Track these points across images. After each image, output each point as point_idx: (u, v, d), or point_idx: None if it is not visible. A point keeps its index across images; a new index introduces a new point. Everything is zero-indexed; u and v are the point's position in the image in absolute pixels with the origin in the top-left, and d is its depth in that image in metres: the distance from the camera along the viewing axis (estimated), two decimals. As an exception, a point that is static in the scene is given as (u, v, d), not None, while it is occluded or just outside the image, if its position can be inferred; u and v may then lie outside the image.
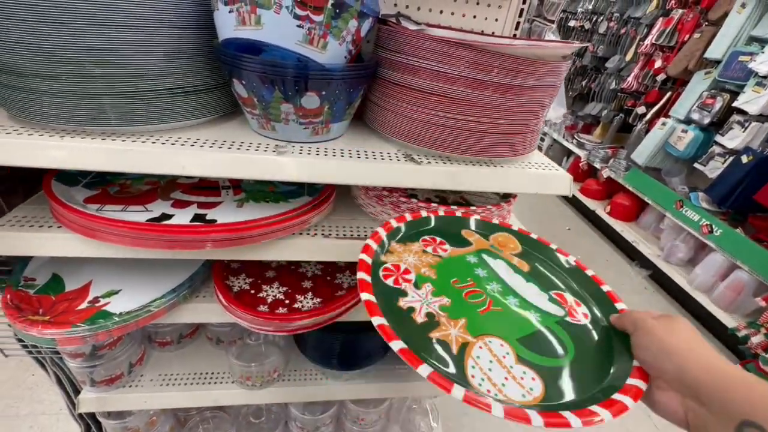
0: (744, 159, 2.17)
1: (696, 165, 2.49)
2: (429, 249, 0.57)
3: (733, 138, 2.26)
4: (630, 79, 3.12)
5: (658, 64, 2.85)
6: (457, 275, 0.53)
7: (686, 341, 0.37)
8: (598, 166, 3.31)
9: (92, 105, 0.52)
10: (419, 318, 0.45)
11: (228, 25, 0.51)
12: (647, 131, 2.88)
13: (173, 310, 0.72)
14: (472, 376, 0.39)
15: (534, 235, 0.64)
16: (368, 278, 0.47)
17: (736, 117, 2.28)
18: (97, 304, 0.66)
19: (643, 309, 0.45)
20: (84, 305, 0.66)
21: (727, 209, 2.34)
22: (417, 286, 0.50)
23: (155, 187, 0.70)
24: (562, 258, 0.60)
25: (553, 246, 0.62)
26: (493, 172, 0.65)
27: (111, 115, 0.54)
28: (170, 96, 0.56)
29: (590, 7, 3.81)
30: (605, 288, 0.54)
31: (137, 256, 0.62)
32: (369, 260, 0.50)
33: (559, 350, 0.45)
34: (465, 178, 0.64)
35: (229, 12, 0.50)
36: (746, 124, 2.21)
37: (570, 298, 0.54)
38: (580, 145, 3.60)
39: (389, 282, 0.49)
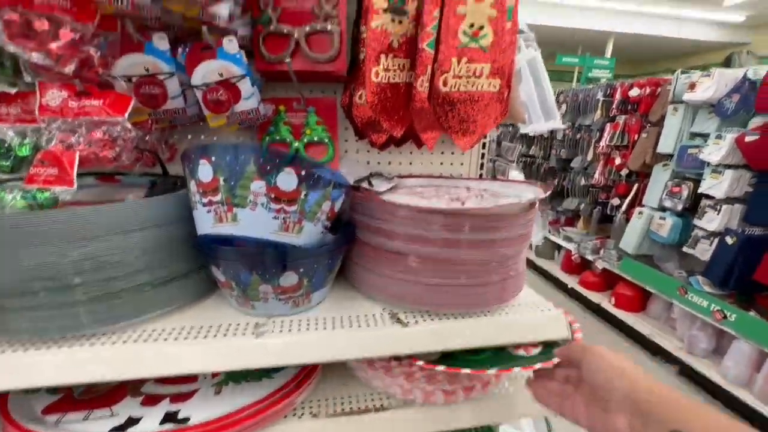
0: (729, 240, 2.21)
1: (685, 249, 2.52)
2: None
3: (711, 221, 2.34)
4: (597, 175, 3.36)
5: (618, 161, 3.11)
6: None
7: (633, 365, 0.46)
8: (590, 257, 3.33)
9: (67, 314, 0.51)
10: None
11: (206, 222, 0.53)
12: (627, 220, 2.99)
13: None
14: None
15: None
16: None
17: (706, 201, 2.39)
18: None
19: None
20: None
21: (731, 291, 2.29)
22: None
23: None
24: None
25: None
26: (487, 322, 0.62)
27: (85, 321, 0.52)
28: (148, 288, 0.56)
29: (544, 119, 4.32)
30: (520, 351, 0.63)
31: (95, 477, 0.53)
32: None
33: None
34: (455, 337, 0.60)
35: (207, 212, 0.53)
36: (718, 207, 2.31)
37: None
38: (568, 239, 3.68)
39: None
